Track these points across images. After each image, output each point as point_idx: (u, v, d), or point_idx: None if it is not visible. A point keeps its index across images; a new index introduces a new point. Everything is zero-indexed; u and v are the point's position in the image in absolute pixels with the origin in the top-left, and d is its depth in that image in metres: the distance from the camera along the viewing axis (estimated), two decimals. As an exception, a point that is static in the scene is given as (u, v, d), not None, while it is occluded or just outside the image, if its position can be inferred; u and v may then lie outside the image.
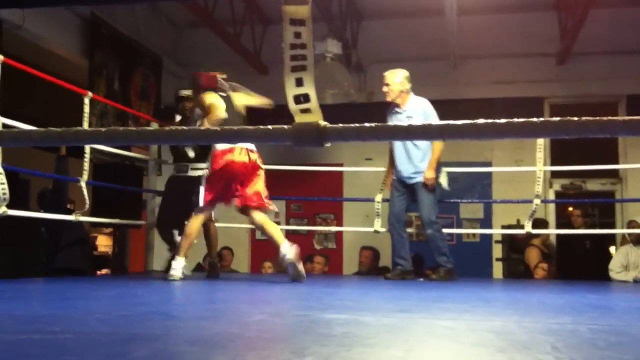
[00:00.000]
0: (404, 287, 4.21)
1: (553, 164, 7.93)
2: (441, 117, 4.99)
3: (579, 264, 6.91)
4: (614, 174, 8.21)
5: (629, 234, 6.10)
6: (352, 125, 1.36)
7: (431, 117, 4.99)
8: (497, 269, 8.07)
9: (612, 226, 7.84)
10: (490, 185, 8.28)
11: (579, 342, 1.75)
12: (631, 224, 6.16)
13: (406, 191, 5.09)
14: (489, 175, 8.15)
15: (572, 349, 1.63)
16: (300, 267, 4.30)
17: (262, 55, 8.35)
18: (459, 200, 6.84)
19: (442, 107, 5.26)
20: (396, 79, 5.06)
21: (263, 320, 2.12)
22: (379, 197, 5.61)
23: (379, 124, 1.37)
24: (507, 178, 7.99)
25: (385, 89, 5.09)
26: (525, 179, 6.98)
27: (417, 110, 5.02)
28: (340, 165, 8.00)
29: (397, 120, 5.06)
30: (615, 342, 1.78)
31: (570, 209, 7.69)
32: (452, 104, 7.54)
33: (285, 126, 1.41)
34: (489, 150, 8.22)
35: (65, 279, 4.60)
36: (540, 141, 5.32)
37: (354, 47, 8.35)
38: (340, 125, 1.38)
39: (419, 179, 4.98)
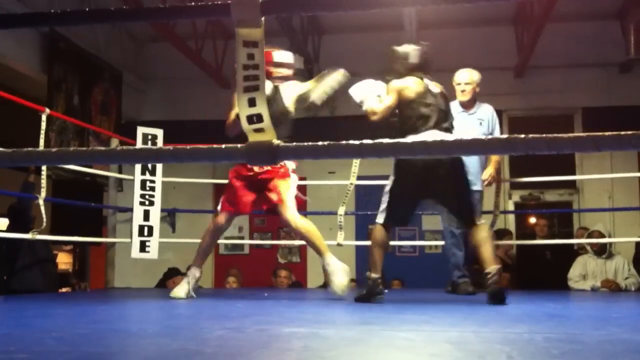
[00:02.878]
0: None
1: (512, 175, 8.06)
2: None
3: (540, 274, 7.00)
4: (571, 184, 8.39)
5: (590, 244, 6.21)
6: (304, 144, 1.38)
7: (497, 125, 5.02)
8: (460, 280, 8.13)
9: (571, 236, 7.97)
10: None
11: (533, 351, 1.78)
12: (593, 234, 6.27)
13: None
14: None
15: (526, 357, 1.66)
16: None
17: (223, 69, 8.34)
18: (420, 212, 6.90)
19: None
20: (476, 78, 4.98)
21: (223, 335, 2.12)
22: (341, 210, 5.63)
23: (331, 143, 1.39)
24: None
25: (466, 87, 4.91)
26: (485, 191, 7.07)
27: (487, 115, 5.00)
28: (303, 179, 8.00)
29: (466, 121, 4.86)
30: (569, 350, 1.82)
31: (534, 219, 7.81)
32: (413, 117, 7.62)
33: (239, 145, 1.43)
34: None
35: (24, 297, 4.51)
36: (499, 153, 5.40)
37: (316, 61, 8.39)
38: (293, 143, 1.40)
39: None
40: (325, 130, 4.87)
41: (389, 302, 3.79)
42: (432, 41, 7.94)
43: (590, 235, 6.28)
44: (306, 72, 8.07)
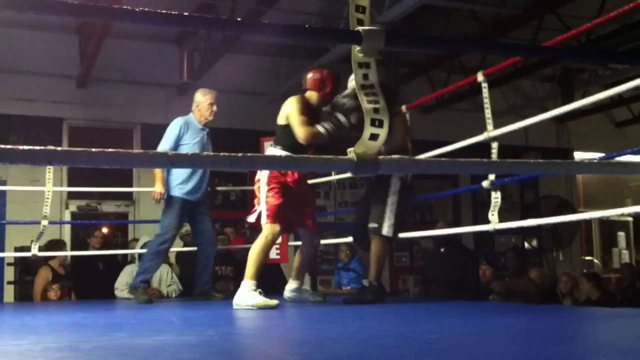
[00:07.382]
0: None
1: (71, 185, 7.99)
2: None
3: (93, 283, 7.06)
4: (128, 196, 8.68)
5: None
6: None
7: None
8: (9, 293, 7.75)
9: (126, 246, 8.23)
10: (4, 205, 7.93)
11: None
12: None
13: None
14: (3, 195, 7.80)
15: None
16: None
17: None
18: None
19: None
20: None
21: None
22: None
23: None
24: (23, 198, 7.73)
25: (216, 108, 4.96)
26: (41, 200, 6.85)
27: None
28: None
29: (206, 138, 5.04)
30: (58, 357, 1.92)
31: (105, 230, 7.85)
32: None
33: None
34: (4, 169, 7.87)
35: None
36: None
37: None
38: None
39: None
40: None
41: None
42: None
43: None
44: None
